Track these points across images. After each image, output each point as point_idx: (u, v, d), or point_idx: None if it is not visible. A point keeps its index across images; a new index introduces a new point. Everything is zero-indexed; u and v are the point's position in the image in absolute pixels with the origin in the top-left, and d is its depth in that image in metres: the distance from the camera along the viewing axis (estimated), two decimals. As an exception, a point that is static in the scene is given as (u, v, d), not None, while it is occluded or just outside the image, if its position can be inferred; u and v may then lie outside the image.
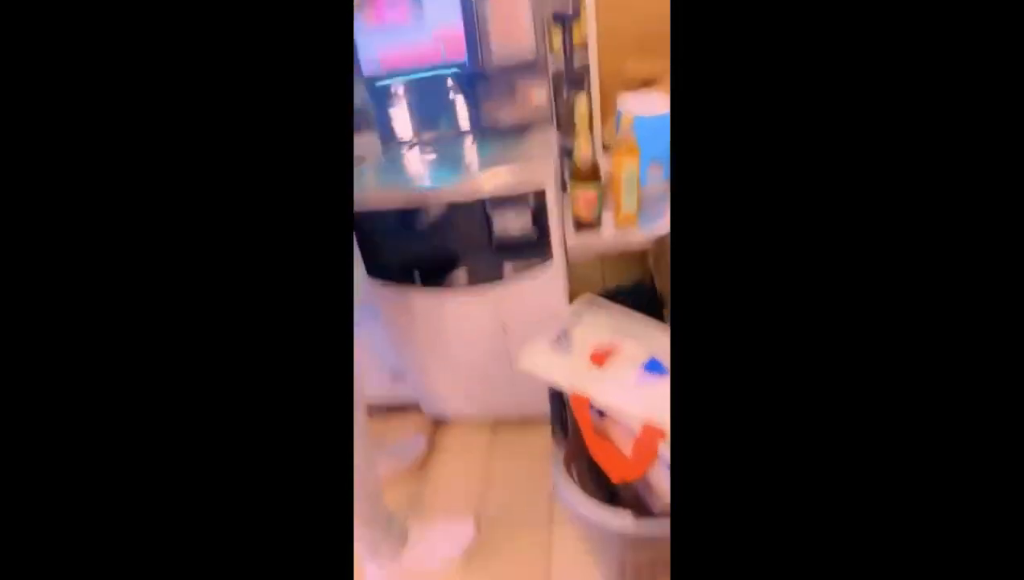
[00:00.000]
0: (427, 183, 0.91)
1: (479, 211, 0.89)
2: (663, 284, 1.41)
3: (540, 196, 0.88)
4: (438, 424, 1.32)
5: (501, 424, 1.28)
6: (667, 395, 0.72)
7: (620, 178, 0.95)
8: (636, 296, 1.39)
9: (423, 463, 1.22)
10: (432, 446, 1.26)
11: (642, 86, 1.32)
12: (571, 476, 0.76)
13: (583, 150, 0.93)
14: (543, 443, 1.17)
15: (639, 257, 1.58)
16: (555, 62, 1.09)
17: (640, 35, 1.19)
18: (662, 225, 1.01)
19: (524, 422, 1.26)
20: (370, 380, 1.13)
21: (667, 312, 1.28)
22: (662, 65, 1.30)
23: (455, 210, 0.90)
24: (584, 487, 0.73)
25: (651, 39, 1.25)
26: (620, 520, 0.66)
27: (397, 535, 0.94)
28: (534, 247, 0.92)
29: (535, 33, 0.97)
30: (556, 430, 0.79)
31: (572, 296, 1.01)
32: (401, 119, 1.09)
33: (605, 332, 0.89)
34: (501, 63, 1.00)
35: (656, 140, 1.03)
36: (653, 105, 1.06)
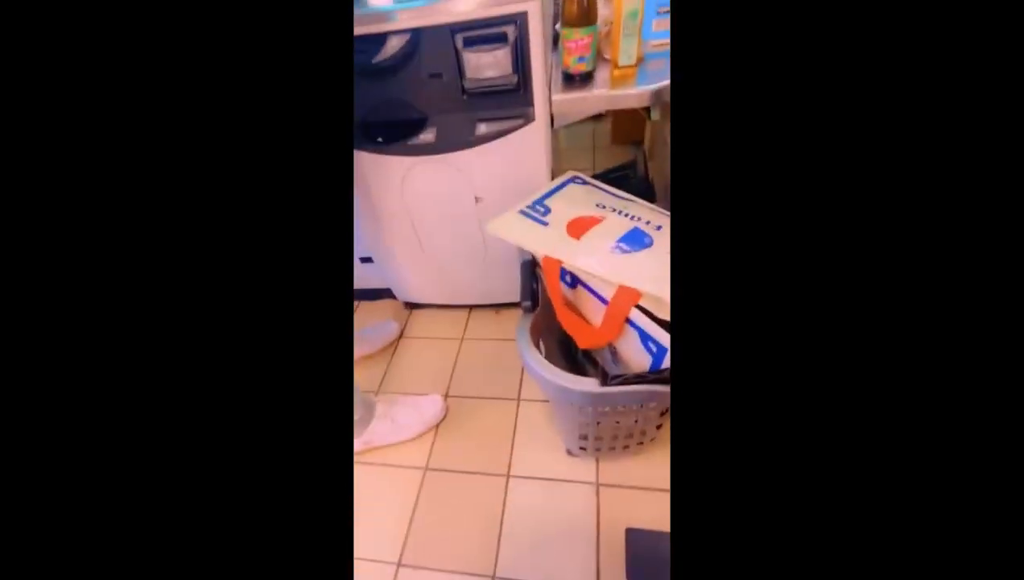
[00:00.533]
0: (385, 3, 0.74)
1: (447, 45, 0.74)
2: (656, 168, 1.30)
3: (520, 23, 0.72)
4: (411, 308, 1.28)
5: (475, 309, 1.24)
6: (643, 264, 0.65)
7: (620, 18, 0.79)
8: (624, 178, 1.28)
9: (395, 347, 1.19)
10: (404, 331, 1.22)
11: None
12: (538, 348, 0.72)
13: (576, -22, 0.76)
14: (515, 326, 1.15)
15: (628, 129, 1.42)
16: None
17: None
18: (664, 81, 0.87)
19: (499, 308, 1.23)
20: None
21: (657, 193, 1.19)
22: None
23: (419, 42, 0.74)
24: (551, 358, 0.69)
25: None
26: (584, 385, 0.63)
27: (364, 410, 0.93)
28: (513, 98, 0.79)
29: None
30: (524, 299, 0.74)
31: (554, 174, 0.91)
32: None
33: (586, 207, 0.80)
34: None
35: (666, -22, 0.85)
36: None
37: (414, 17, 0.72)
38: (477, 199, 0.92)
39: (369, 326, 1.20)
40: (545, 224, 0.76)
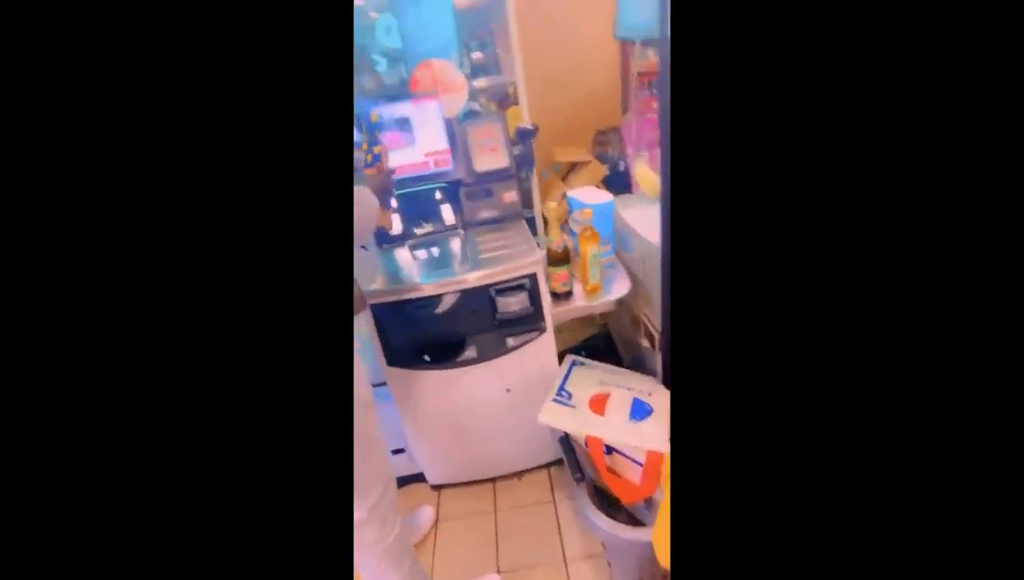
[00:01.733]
0: (429, 276, 1.08)
1: (484, 296, 1.08)
2: (618, 332, 1.69)
3: (533, 278, 1.09)
4: (438, 489, 1.40)
5: (500, 480, 1.40)
6: (656, 428, 0.94)
7: (587, 258, 1.21)
8: (594, 347, 1.65)
9: (434, 532, 1.28)
10: (439, 514, 1.33)
11: (568, 170, 1.66)
12: (595, 506, 0.93)
13: (556, 240, 1.18)
14: (541, 491, 1.33)
15: (584, 320, 1.85)
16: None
17: (560, 131, 1.54)
18: (617, 290, 1.27)
19: (520, 474, 1.40)
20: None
21: (622, 354, 1.55)
22: (578, 151, 1.66)
23: (464, 297, 1.07)
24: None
25: (569, 132, 1.63)
26: (638, 533, 0.85)
27: None
28: (531, 320, 1.13)
29: (506, 149, 1.23)
30: (575, 473, 0.97)
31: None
32: (395, 219, 1.26)
33: (593, 384, 1.10)
34: (481, 172, 1.23)
35: (605, 224, 1.32)
36: (597, 196, 1.36)
37: (456, 284, 1.06)
38: (508, 390, 1.19)
39: (407, 516, 1.29)
40: (573, 407, 1.03)
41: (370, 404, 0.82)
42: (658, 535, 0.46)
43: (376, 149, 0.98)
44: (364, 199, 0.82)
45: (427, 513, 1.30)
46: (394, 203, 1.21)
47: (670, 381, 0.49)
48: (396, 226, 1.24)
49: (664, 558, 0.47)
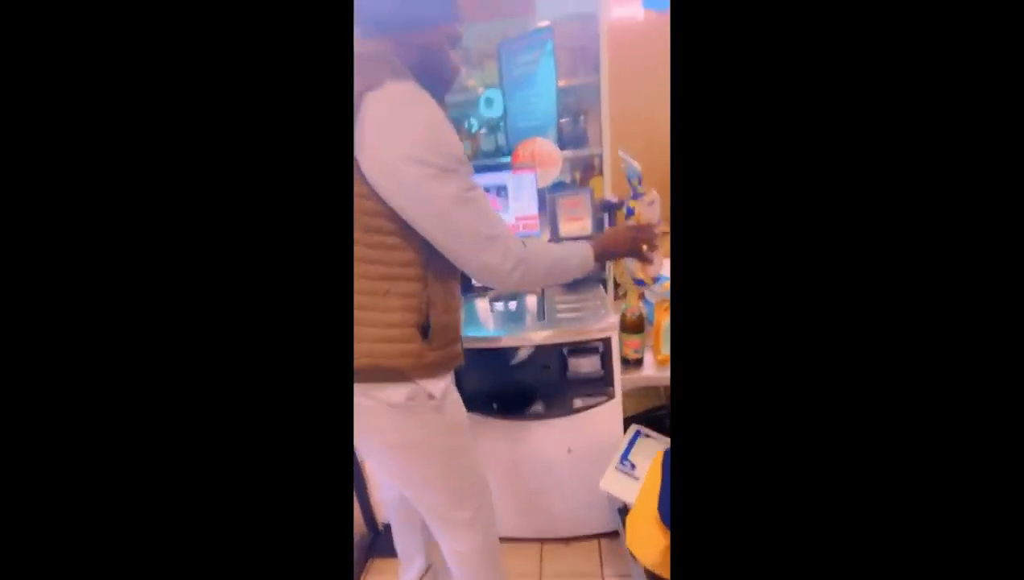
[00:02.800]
0: (504, 329, 1.14)
1: (557, 354, 1.13)
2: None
3: (607, 343, 1.12)
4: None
5: (547, 543, 1.37)
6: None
7: (660, 327, 1.23)
8: (659, 420, 1.62)
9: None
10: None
11: None
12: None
13: (632, 307, 1.22)
14: (588, 563, 1.28)
15: (649, 390, 1.82)
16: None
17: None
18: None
19: (568, 540, 1.36)
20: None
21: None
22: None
23: (537, 353, 1.13)
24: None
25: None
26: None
27: None
28: (600, 384, 1.15)
29: (591, 217, 1.31)
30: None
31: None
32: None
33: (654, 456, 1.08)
34: (565, 237, 1.31)
35: (680, 298, 1.34)
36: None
37: (533, 339, 1.12)
38: (569, 451, 1.20)
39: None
40: (637, 479, 1.02)
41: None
42: (634, 525, 0.44)
43: None
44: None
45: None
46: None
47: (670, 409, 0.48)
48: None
49: (639, 551, 0.44)
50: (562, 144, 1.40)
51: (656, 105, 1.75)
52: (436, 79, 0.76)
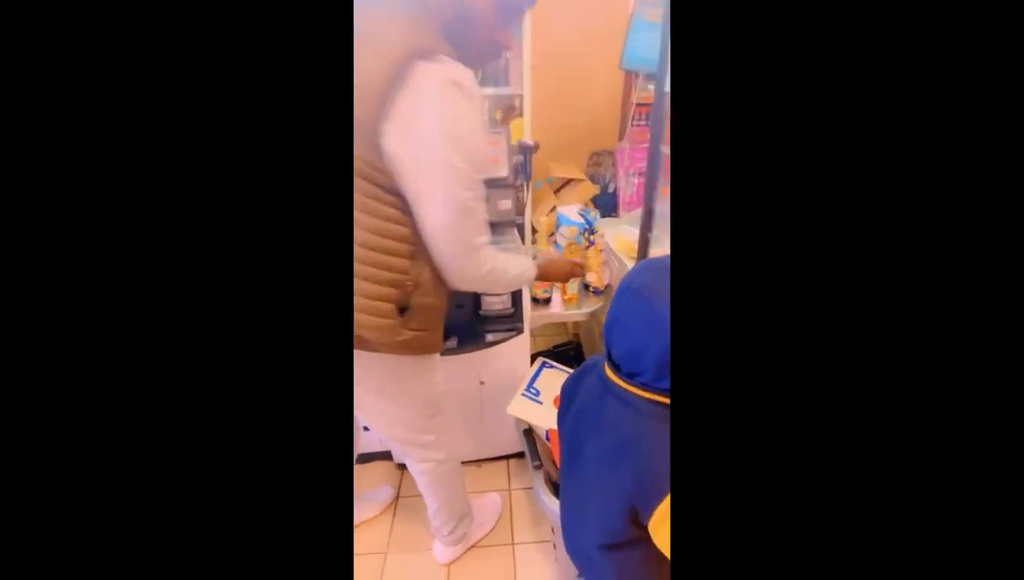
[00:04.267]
0: None
1: (471, 294, 1.17)
2: (588, 342, 1.80)
3: (518, 284, 1.19)
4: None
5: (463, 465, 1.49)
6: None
7: (568, 270, 1.32)
8: (564, 354, 1.77)
9: (394, 508, 1.36)
10: (399, 491, 1.41)
11: (562, 185, 1.78)
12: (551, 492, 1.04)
13: (543, 250, 1.29)
14: (498, 479, 1.42)
15: (558, 327, 1.96)
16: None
17: (558, 147, 1.66)
18: (590, 303, 1.39)
19: (480, 462, 1.49)
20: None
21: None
22: (573, 169, 1.78)
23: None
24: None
25: (566, 150, 1.74)
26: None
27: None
28: (510, 320, 1.22)
29: (507, 160, 1.32)
30: (534, 461, 1.07)
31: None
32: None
33: (560, 386, 1.21)
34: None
35: (588, 242, 1.43)
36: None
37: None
38: (481, 382, 1.28)
39: (366, 492, 1.37)
40: (540, 403, 1.14)
41: None
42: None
43: None
44: None
45: (386, 491, 1.38)
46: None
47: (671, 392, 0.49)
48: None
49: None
50: (482, 82, 1.36)
51: (578, 45, 1.75)
52: (474, 55, 0.72)
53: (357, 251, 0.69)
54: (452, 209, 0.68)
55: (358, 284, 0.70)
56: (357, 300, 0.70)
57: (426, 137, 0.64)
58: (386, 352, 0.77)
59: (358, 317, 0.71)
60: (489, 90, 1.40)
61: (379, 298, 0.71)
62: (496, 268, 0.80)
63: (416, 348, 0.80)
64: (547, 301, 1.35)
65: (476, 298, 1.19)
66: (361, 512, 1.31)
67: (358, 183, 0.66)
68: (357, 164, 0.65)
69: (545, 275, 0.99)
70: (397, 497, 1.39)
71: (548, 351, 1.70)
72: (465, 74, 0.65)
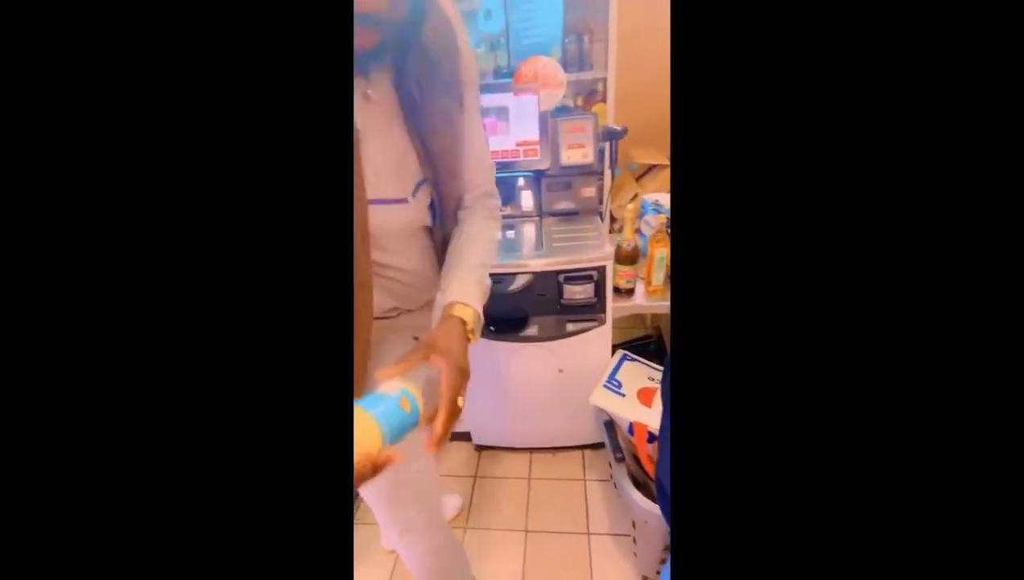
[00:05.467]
0: (502, 257, 1.17)
1: (553, 281, 1.17)
2: (670, 337, 1.73)
3: (601, 271, 1.16)
4: (481, 451, 1.53)
5: (536, 452, 1.51)
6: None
7: (653, 260, 1.27)
8: (644, 347, 1.71)
9: (471, 487, 1.41)
10: (478, 471, 1.46)
11: (644, 171, 1.70)
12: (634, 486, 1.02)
13: (627, 239, 1.24)
14: (573, 469, 1.42)
15: (636, 319, 1.90)
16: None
17: (642, 132, 1.59)
18: (680, 296, 1.32)
19: (555, 450, 1.50)
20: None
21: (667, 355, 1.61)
22: (656, 155, 1.69)
23: (535, 280, 1.17)
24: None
25: (651, 135, 1.66)
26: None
27: None
28: (592, 310, 1.21)
29: (593, 146, 1.29)
30: (616, 453, 1.05)
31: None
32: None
33: (642, 379, 1.17)
34: (565, 165, 1.30)
35: (675, 231, 1.37)
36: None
37: (532, 265, 1.15)
38: (560, 371, 1.28)
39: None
40: (623, 395, 1.11)
41: None
42: None
43: None
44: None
45: (455, 500, 1.37)
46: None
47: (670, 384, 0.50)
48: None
49: None
50: (565, 66, 1.34)
51: (664, 25, 1.65)
52: None
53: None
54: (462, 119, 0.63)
55: (403, 261, 0.66)
56: (407, 275, 0.67)
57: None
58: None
59: (403, 291, 0.68)
60: (571, 75, 1.38)
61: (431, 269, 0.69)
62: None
63: None
64: (630, 292, 1.31)
65: (559, 287, 1.18)
66: None
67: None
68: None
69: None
70: (476, 476, 1.44)
71: (627, 343, 1.66)
72: None
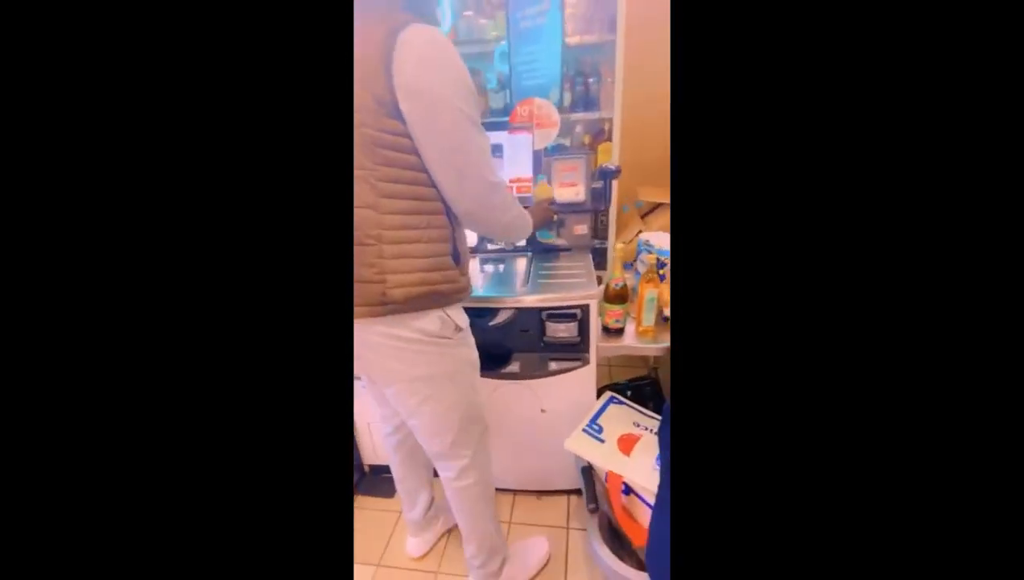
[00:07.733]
0: (490, 290, 1.16)
1: (536, 317, 1.15)
2: (666, 379, 1.67)
3: (585, 310, 1.14)
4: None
5: (520, 494, 1.45)
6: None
7: (643, 300, 1.23)
8: (639, 390, 1.64)
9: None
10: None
11: (651, 209, 1.69)
12: (603, 541, 0.95)
13: (616, 278, 1.22)
14: (556, 516, 1.35)
15: (636, 359, 1.83)
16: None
17: (650, 171, 1.58)
18: (668, 338, 1.28)
19: (540, 494, 1.43)
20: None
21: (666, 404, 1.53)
22: (662, 193, 1.68)
23: (518, 316, 1.15)
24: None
25: (652, 173, 1.66)
26: (641, 577, 0.85)
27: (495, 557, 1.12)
28: (575, 349, 1.17)
29: (585, 184, 1.30)
30: (589, 503, 0.99)
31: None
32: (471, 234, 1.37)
33: (626, 424, 1.12)
34: (558, 203, 1.31)
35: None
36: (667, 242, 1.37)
37: (514, 302, 1.14)
38: (543, 410, 1.24)
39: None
40: (602, 441, 1.06)
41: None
42: None
43: None
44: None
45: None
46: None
47: (671, 397, 0.48)
48: (472, 239, 1.35)
49: None
50: (572, 106, 1.36)
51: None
52: (430, 16, 0.81)
53: (403, 219, 0.74)
54: (469, 154, 0.73)
55: (421, 247, 0.76)
56: (426, 261, 0.77)
57: (436, 99, 0.69)
58: (454, 303, 0.84)
59: (432, 275, 0.78)
60: (579, 115, 1.40)
61: (442, 254, 0.79)
62: (520, 213, 0.87)
63: (466, 291, 0.88)
64: (619, 331, 1.27)
65: (541, 324, 1.16)
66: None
67: (390, 154, 0.71)
68: (385, 138, 0.70)
69: (536, 223, 1.06)
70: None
71: (623, 384, 1.60)
72: (434, 30, 0.71)
